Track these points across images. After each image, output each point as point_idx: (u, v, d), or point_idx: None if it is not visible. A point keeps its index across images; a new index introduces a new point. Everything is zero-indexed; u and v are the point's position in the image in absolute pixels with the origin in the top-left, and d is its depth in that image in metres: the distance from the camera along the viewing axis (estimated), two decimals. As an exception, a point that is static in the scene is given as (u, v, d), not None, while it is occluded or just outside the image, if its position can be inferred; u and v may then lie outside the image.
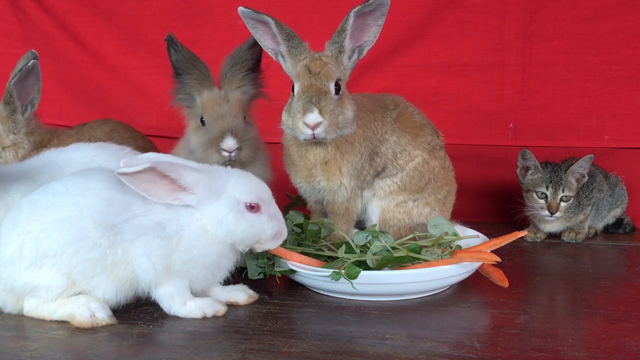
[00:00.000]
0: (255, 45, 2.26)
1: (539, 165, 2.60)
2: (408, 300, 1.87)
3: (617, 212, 2.78)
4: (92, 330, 1.66)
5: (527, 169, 2.64)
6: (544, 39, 2.90)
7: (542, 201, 2.58)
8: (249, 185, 1.77)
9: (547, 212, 2.57)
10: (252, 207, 1.75)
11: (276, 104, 2.23)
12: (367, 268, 1.87)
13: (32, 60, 2.32)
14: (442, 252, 1.92)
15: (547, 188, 2.57)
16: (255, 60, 2.32)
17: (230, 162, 2.19)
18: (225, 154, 2.20)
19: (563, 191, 2.57)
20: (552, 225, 2.66)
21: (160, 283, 1.72)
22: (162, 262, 1.68)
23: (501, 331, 1.64)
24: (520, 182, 2.67)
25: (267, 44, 2.04)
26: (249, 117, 2.35)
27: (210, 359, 1.48)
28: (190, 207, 1.72)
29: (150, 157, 1.73)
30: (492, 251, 1.90)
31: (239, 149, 2.21)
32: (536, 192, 2.58)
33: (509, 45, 2.94)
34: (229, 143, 2.19)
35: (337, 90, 1.95)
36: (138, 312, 1.79)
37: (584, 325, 1.70)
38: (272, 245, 1.82)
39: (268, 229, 1.78)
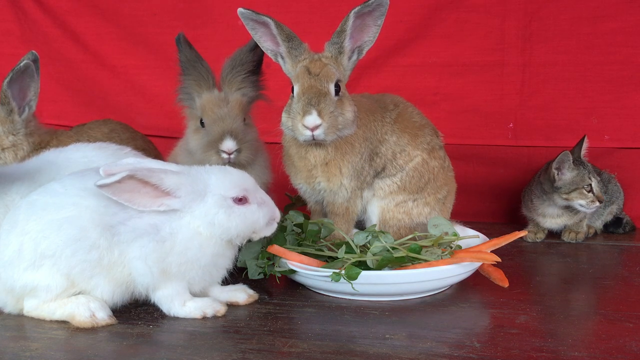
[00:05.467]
0: (256, 48, 2.26)
1: (572, 164, 2.56)
2: (408, 300, 1.88)
3: (613, 209, 2.78)
4: (92, 330, 1.66)
5: (559, 170, 2.57)
6: (544, 39, 2.90)
7: (591, 194, 2.54)
8: (230, 179, 1.75)
9: (597, 204, 2.54)
10: (240, 200, 1.74)
11: (276, 104, 2.23)
12: (367, 268, 1.87)
13: (25, 61, 2.32)
14: (442, 252, 1.92)
15: (590, 179, 2.54)
16: (256, 63, 2.32)
17: (230, 164, 2.19)
18: (225, 155, 2.20)
19: (596, 178, 2.56)
20: (555, 221, 2.65)
21: (158, 286, 1.72)
22: (158, 266, 1.68)
23: (501, 331, 1.64)
24: (556, 186, 2.56)
25: (266, 45, 2.04)
26: (249, 119, 2.35)
27: (210, 359, 1.48)
28: (179, 211, 1.71)
29: (129, 164, 1.70)
30: (492, 251, 1.90)
31: (238, 150, 2.21)
32: (584, 188, 2.53)
33: (509, 45, 2.93)
34: (229, 145, 2.19)
35: (337, 91, 1.95)
36: (138, 312, 1.79)
37: (584, 325, 1.70)
38: (268, 231, 1.80)
39: (260, 217, 1.76)
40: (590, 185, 2.54)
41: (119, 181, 1.62)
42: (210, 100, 2.27)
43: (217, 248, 1.75)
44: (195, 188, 1.72)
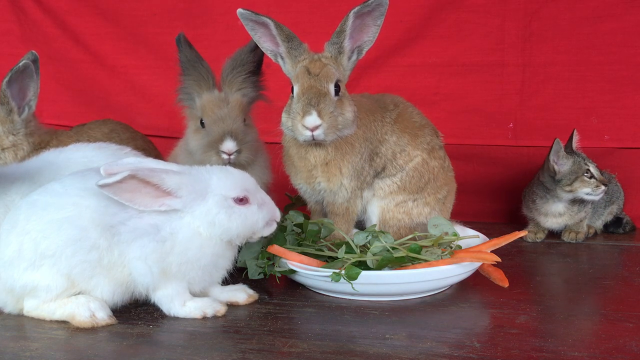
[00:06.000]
0: (257, 48, 2.26)
1: (565, 153, 2.56)
2: (408, 300, 1.88)
3: (613, 209, 2.77)
4: (92, 330, 1.66)
5: (556, 162, 2.56)
6: (544, 39, 2.90)
7: (593, 180, 2.52)
8: (232, 180, 1.76)
9: (602, 188, 2.52)
10: (241, 200, 1.74)
11: (276, 105, 2.23)
12: (367, 268, 1.87)
13: (24, 61, 2.32)
14: (442, 252, 1.92)
15: (587, 165, 2.53)
16: (256, 63, 2.32)
17: (230, 165, 2.18)
18: (225, 156, 2.20)
19: (593, 162, 2.56)
20: (557, 220, 2.64)
21: (158, 286, 1.72)
22: (158, 265, 1.68)
23: (501, 331, 1.64)
24: (557, 180, 2.56)
25: (266, 45, 2.04)
26: (249, 120, 2.35)
27: (210, 359, 1.48)
28: (179, 211, 1.71)
29: (129, 164, 1.70)
30: (492, 251, 1.90)
31: (238, 151, 2.21)
32: (585, 175, 2.52)
33: (509, 45, 2.94)
34: (229, 146, 2.19)
35: (337, 92, 1.95)
36: (138, 312, 1.79)
37: (584, 325, 1.70)
38: (267, 232, 1.81)
39: (260, 218, 1.77)
40: (589, 170, 2.53)
41: (120, 181, 1.62)
42: (210, 100, 2.27)
43: (217, 248, 1.75)
44: (197, 188, 1.72)
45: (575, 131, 2.64)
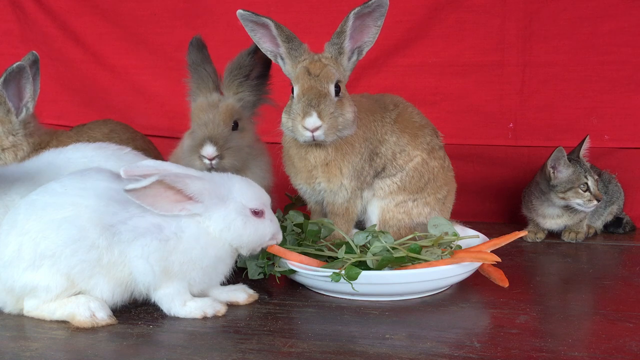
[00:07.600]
0: (255, 51, 2.25)
1: (567, 161, 2.55)
2: (408, 300, 1.88)
3: (613, 209, 2.77)
4: (92, 330, 1.66)
5: (554, 168, 2.56)
6: (544, 39, 2.90)
7: (587, 193, 2.52)
8: (253, 192, 1.80)
9: (594, 203, 2.51)
10: (257, 213, 1.78)
11: (277, 105, 2.23)
12: (367, 268, 1.87)
13: (18, 63, 2.32)
14: (442, 252, 1.92)
15: (586, 178, 2.53)
16: (254, 66, 2.30)
17: (213, 169, 2.16)
18: (206, 161, 2.17)
19: (593, 176, 2.55)
20: (555, 222, 2.64)
21: (159, 285, 1.72)
22: (160, 264, 1.68)
23: (501, 331, 1.64)
24: (552, 185, 2.56)
25: (266, 46, 2.04)
26: (246, 124, 2.31)
27: (210, 359, 1.48)
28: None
29: (153, 167, 1.72)
30: (492, 251, 1.90)
31: (220, 157, 2.18)
32: (580, 187, 2.52)
33: (509, 45, 2.94)
34: (208, 151, 2.17)
35: (337, 92, 1.95)
36: (138, 312, 1.79)
37: (584, 325, 1.70)
38: (267, 244, 1.86)
39: (269, 232, 1.82)
40: (587, 184, 2.52)
41: (147, 186, 1.63)
42: (199, 105, 2.26)
43: (221, 252, 1.76)
44: (218, 193, 1.75)
45: (587, 137, 2.62)
